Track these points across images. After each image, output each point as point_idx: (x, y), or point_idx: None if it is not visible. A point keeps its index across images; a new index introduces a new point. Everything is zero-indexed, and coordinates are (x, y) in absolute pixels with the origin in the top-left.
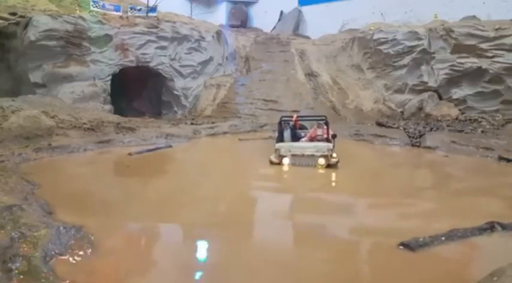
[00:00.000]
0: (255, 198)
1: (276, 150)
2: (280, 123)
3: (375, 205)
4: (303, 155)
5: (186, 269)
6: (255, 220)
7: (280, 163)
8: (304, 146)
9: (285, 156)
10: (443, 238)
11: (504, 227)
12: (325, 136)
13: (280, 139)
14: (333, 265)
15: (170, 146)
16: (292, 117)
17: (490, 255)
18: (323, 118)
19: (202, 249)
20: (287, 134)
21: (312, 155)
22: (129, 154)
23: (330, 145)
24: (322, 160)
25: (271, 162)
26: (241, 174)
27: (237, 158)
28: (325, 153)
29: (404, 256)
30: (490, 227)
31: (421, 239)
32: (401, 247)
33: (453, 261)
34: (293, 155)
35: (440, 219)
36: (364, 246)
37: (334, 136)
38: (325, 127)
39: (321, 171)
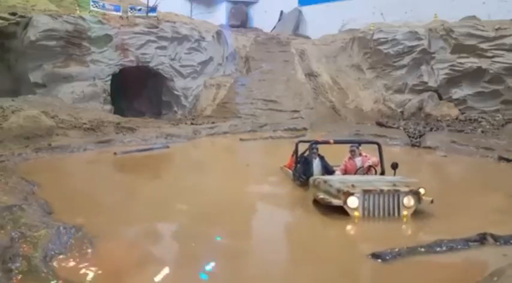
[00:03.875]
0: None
1: (321, 184)
2: (308, 149)
3: None
4: (381, 191)
5: (186, 269)
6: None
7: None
8: (370, 179)
9: (351, 194)
10: (422, 249)
11: (496, 240)
12: (374, 166)
13: (305, 171)
14: None
15: (167, 147)
16: (315, 141)
17: (470, 269)
18: (373, 141)
19: (201, 249)
20: (317, 165)
21: (396, 191)
22: (114, 153)
23: (409, 178)
24: (410, 201)
25: (326, 203)
26: (246, 178)
27: (242, 160)
28: (413, 188)
29: (373, 267)
30: (480, 239)
31: (396, 249)
32: (370, 257)
33: (424, 275)
34: (366, 191)
35: None
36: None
37: (395, 166)
38: (364, 154)
39: None
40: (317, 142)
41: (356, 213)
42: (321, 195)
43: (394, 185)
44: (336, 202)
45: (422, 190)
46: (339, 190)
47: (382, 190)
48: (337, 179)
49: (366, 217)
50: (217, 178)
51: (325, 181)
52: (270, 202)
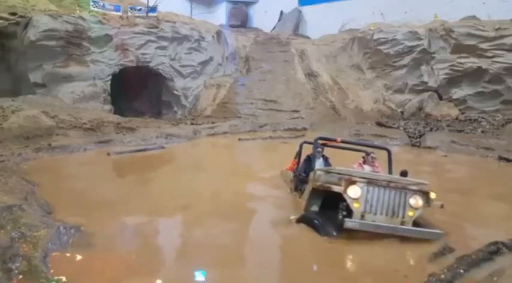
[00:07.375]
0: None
1: (322, 176)
2: (312, 147)
3: None
4: (387, 185)
5: (185, 269)
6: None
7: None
8: (376, 175)
9: (353, 182)
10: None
11: (510, 248)
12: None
13: (306, 168)
14: None
15: (162, 147)
16: (319, 138)
17: None
18: (385, 147)
19: (200, 249)
20: (319, 165)
21: (403, 188)
22: (108, 154)
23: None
24: (417, 201)
25: (324, 188)
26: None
27: (237, 160)
28: (422, 188)
29: None
30: (497, 249)
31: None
32: None
33: None
34: (370, 182)
35: None
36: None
37: (404, 174)
38: (376, 165)
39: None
40: (321, 139)
41: (356, 205)
42: (320, 183)
43: (401, 183)
44: (336, 188)
45: (433, 195)
46: (340, 178)
47: (388, 184)
48: (340, 170)
49: (366, 212)
50: (206, 182)
51: (327, 172)
52: (262, 213)
